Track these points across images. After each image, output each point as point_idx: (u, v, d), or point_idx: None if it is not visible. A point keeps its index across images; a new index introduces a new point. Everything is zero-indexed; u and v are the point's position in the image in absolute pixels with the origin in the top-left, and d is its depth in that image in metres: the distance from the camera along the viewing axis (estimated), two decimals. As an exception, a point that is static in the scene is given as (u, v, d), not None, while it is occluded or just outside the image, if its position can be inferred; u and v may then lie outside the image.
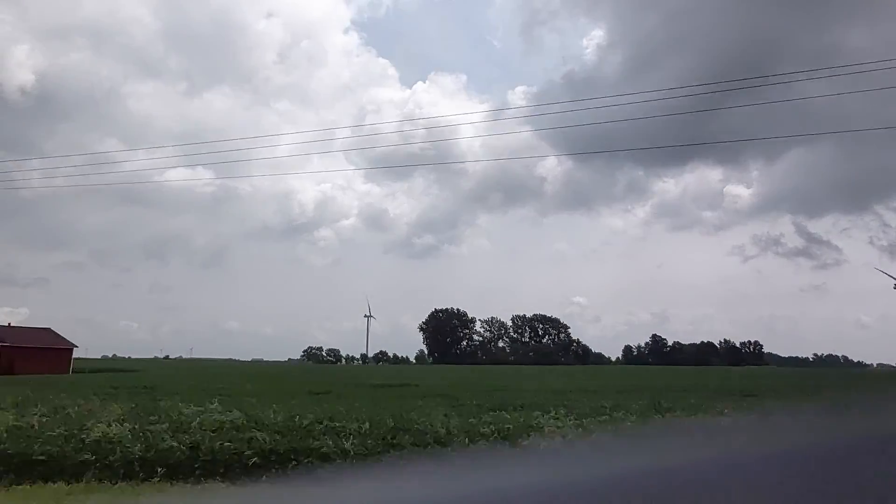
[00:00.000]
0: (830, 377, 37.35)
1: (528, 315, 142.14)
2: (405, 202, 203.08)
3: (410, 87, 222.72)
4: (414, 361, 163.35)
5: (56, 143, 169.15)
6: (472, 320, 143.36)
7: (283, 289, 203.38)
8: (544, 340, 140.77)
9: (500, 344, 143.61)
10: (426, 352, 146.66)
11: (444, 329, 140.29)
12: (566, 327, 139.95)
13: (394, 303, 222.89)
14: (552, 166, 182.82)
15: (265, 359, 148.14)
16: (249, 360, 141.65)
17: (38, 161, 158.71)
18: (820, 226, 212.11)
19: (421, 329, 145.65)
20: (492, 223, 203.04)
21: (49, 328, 57.28)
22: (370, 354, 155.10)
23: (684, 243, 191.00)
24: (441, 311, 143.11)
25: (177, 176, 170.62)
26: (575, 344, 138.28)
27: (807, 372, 60.44)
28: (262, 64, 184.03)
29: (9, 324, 54.35)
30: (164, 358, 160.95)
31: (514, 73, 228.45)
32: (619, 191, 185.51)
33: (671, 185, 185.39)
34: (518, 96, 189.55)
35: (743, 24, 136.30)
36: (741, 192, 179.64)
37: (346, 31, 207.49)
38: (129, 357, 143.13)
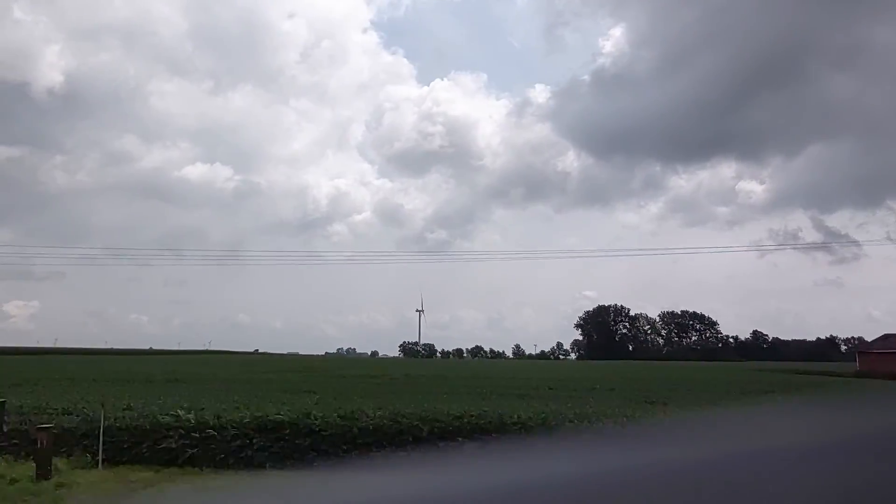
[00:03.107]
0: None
1: (677, 311, 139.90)
2: (420, 197, 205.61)
3: (429, 85, 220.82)
4: (511, 356, 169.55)
5: (79, 141, 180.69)
6: (636, 317, 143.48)
7: (294, 283, 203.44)
8: (693, 337, 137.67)
9: (652, 340, 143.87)
10: (581, 347, 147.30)
11: (602, 325, 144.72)
12: (714, 323, 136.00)
13: (399, 297, 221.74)
14: (571, 162, 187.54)
15: (300, 352, 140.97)
16: (285, 353, 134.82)
17: (67, 159, 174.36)
18: (831, 221, 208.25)
19: (577, 326, 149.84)
20: (506, 218, 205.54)
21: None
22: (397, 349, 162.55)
23: (697, 238, 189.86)
24: (602, 307, 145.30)
25: (196, 172, 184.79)
26: (732, 340, 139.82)
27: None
28: (286, 63, 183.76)
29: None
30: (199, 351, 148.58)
31: (535, 71, 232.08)
32: (636, 186, 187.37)
33: (684, 180, 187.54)
34: (538, 94, 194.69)
35: (769, 22, 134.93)
36: (754, 187, 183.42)
37: (365, 30, 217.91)
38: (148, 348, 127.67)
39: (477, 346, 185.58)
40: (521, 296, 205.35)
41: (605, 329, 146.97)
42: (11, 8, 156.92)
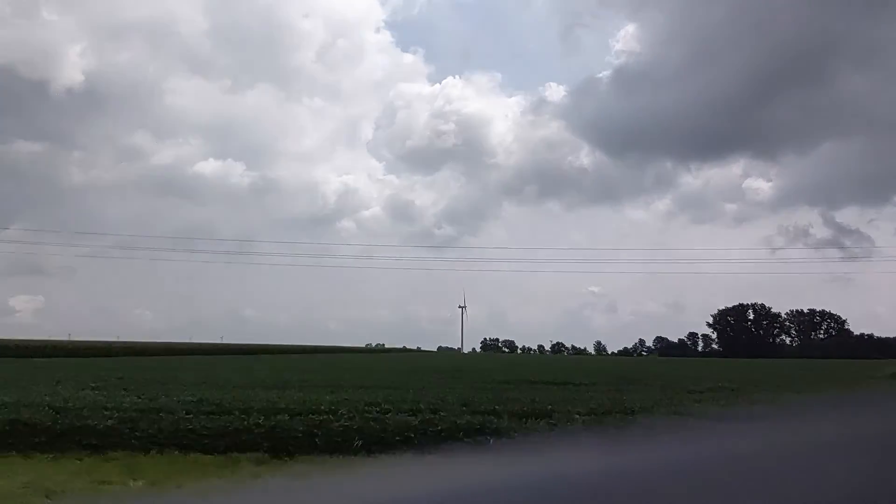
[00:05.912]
0: None
1: (805, 310, 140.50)
2: (428, 194, 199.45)
3: (441, 84, 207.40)
4: (593, 352, 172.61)
5: (96, 138, 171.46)
6: (777, 315, 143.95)
7: (300, 278, 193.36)
8: (822, 334, 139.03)
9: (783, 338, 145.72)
10: (717, 345, 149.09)
11: (739, 323, 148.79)
12: (843, 321, 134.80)
13: (403, 293, 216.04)
14: (584, 159, 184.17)
15: (329, 345, 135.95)
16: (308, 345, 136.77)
17: (83, 155, 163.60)
18: (839, 218, 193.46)
19: (710, 324, 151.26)
20: (516, 215, 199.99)
21: None
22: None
23: (705, 235, 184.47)
24: (741, 305, 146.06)
25: (211, 168, 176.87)
26: (867, 337, 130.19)
27: None
28: (301, 62, 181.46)
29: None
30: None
31: (550, 71, 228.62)
32: (647, 184, 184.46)
33: (693, 177, 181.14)
34: (553, 93, 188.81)
35: (792, 21, 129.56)
36: (761, 184, 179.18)
37: (378, 29, 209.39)
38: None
39: (558, 343, 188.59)
40: (526, 291, 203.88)
41: (741, 327, 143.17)
42: (39, 8, 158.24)
